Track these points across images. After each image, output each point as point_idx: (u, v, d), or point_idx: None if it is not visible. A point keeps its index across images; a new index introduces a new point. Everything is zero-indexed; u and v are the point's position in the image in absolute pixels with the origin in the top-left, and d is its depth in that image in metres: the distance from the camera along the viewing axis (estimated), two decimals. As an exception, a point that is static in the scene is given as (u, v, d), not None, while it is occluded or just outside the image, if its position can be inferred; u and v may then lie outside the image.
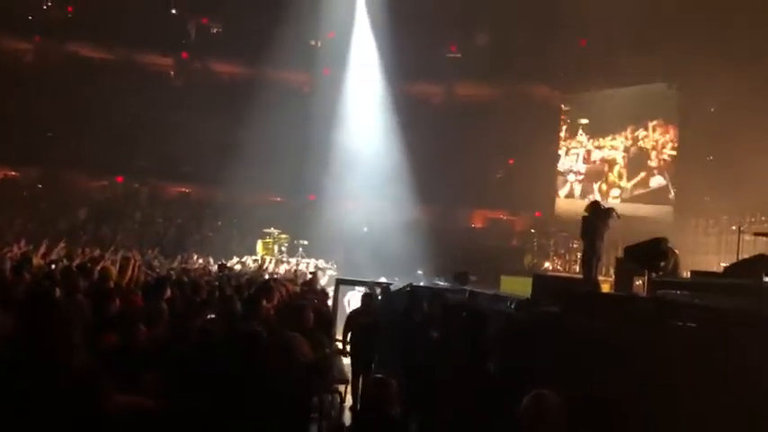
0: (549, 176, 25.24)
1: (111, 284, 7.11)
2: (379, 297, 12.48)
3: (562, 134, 25.78)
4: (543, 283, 10.22)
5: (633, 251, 9.32)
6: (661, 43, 20.04)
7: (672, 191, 21.32)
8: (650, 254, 8.63)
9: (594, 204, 11.41)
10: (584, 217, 11.18)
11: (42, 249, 11.67)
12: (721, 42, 18.69)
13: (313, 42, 30.44)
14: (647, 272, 8.90)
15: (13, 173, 29.57)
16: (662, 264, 8.79)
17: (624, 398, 5.10)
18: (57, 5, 31.75)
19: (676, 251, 11.52)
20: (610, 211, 11.30)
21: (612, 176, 23.47)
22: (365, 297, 11.48)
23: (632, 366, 5.31)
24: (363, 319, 10.53)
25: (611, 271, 13.75)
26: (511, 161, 28.47)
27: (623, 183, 23.03)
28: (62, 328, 3.03)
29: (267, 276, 13.89)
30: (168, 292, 7.23)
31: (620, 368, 5.43)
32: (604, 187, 23.69)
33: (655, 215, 21.17)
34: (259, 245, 21.98)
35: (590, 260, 10.77)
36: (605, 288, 11.75)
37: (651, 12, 20.31)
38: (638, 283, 10.38)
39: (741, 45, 18.65)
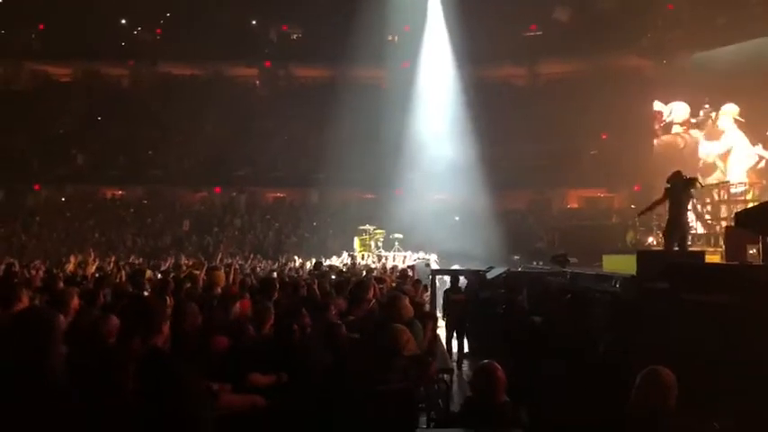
0: (646, 148, 24.13)
1: (219, 290, 7.39)
2: (474, 284, 12.54)
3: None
4: (648, 259, 9.78)
5: (745, 216, 8.74)
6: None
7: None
8: (763, 218, 8.05)
9: (677, 174, 10.84)
10: (666, 188, 10.80)
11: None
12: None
13: (390, 37, 30.57)
14: (761, 238, 8.34)
15: (120, 192, 31.34)
16: (778, 227, 8.19)
17: (740, 373, 4.85)
18: (146, 29, 33.41)
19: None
20: (693, 180, 10.85)
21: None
22: (453, 278, 12.98)
23: (747, 340, 5.04)
24: (454, 296, 12.19)
25: (721, 241, 13.10)
26: (604, 136, 27.52)
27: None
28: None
29: (364, 272, 14.02)
30: (275, 294, 7.44)
31: (732, 343, 5.17)
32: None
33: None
34: (356, 242, 22.26)
35: (672, 231, 10.40)
36: (715, 258, 11.18)
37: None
38: (752, 251, 9.81)
39: None
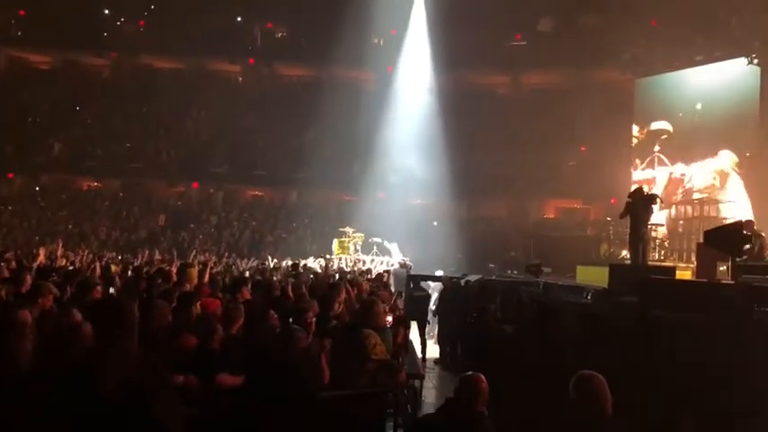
0: (624, 162, 24.38)
1: (188, 287, 7.33)
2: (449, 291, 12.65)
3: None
4: (620, 272, 9.95)
5: (713, 235, 8.89)
6: (739, 14, 19.07)
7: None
8: (732, 237, 8.19)
9: (638, 191, 11.67)
10: (627, 202, 11.38)
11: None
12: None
13: (376, 40, 30.59)
14: (730, 257, 8.49)
15: (96, 183, 30.95)
16: (745, 247, 8.36)
17: (707, 389, 4.92)
18: (129, 21, 33.11)
19: (763, 234, 11.01)
20: (653, 197, 11.56)
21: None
22: (416, 280, 13.83)
23: (714, 356, 5.11)
24: (417, 293, 13.09)
25: (693, 257, 13.31)
26: (583, 148, 27.77)
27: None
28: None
29: (337, 275, 14.02)
30: (246, 294, 7.41)
31: (698, 359, 5.24)
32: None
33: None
34: (335, 244, 22.20)
35: (635, 244, 11.10)
36: (686, 274, 11.42)
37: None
38: (722, 268, 9.97)
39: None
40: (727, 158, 19.39)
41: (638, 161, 22.83)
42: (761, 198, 17.83)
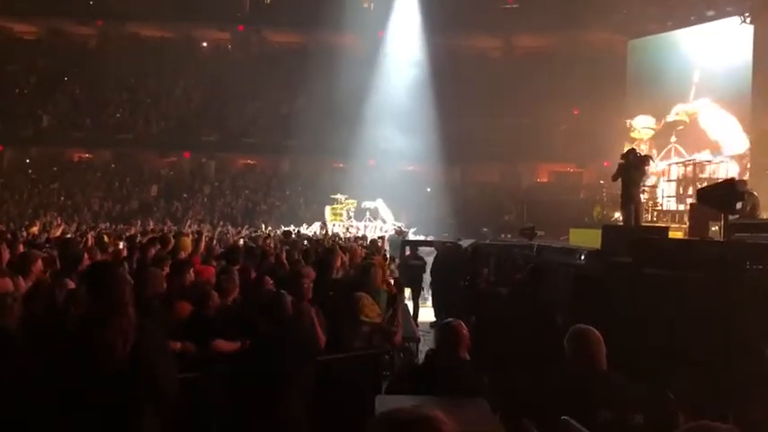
0: (617, 124, 24.31)
1: (184, 255, 7.31)
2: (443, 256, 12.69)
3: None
4: (613, 233, 9.95)
5: (706, 193, 8.90)
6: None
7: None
8: (724, 195, 8.19)
9: (631, 152, 11.54)
10: (620, 164, 11.29)
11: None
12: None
13: (366, 5, 30.20)
14: (722, 215, 8.52)
15: (87, 155, 30.71)
16: (738, 206, 8.37)
17: (700, 346, 4.97)
18: (114, -13, 32.50)
19: (755, 193, 11.04)
20: (646, 158, 11.48)
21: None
22: (412, 246, 14.10)
23: (707, 313, 5.15)
24: (413, 261, 13.18)
25: (686, 218, 13.38)
26: (576, 111, 27.67)
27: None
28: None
29: (331, 240, 14.06)
30: (240, 262, 7.39)
31: (691, 316, 5.28)
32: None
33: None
34: (328, 211, 22.20)
35: (627, 206, 11.07)
36: (678, 235, 11.48)
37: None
38: (714, 228, 10.02)
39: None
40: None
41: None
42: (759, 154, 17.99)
